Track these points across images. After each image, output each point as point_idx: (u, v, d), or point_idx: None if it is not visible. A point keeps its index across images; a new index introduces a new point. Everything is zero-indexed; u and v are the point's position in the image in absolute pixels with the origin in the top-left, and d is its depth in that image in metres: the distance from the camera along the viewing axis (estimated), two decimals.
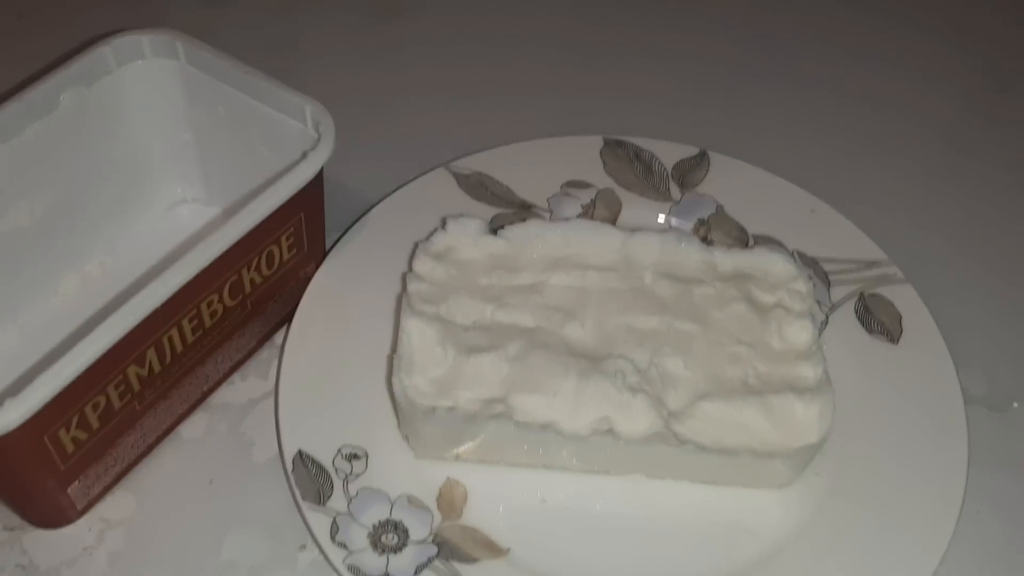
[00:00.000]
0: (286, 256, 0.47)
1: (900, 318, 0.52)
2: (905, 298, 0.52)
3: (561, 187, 0.57)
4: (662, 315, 0.48)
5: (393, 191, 0.56)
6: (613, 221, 0.55)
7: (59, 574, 0.43)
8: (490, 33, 0.70)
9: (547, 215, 0.55)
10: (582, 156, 0.58)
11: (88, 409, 0.40)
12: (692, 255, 0.50)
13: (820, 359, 0.47)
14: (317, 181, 0.46)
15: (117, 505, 0.45)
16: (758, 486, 0.46)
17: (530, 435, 0.44)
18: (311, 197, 0.47)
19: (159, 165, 0.53)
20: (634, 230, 0.51)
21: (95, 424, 0.41)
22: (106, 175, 0.51)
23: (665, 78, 0.67)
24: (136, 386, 0.42)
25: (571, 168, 0.58)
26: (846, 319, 0.52)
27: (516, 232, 0.51)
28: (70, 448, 0.40)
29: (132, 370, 0.41)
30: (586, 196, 0.56)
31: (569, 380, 0.45)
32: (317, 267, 0.51)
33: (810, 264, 0.54)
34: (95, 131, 0.49)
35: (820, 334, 0.49)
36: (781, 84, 0.68)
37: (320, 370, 0.48)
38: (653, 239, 0.50)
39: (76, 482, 0.42)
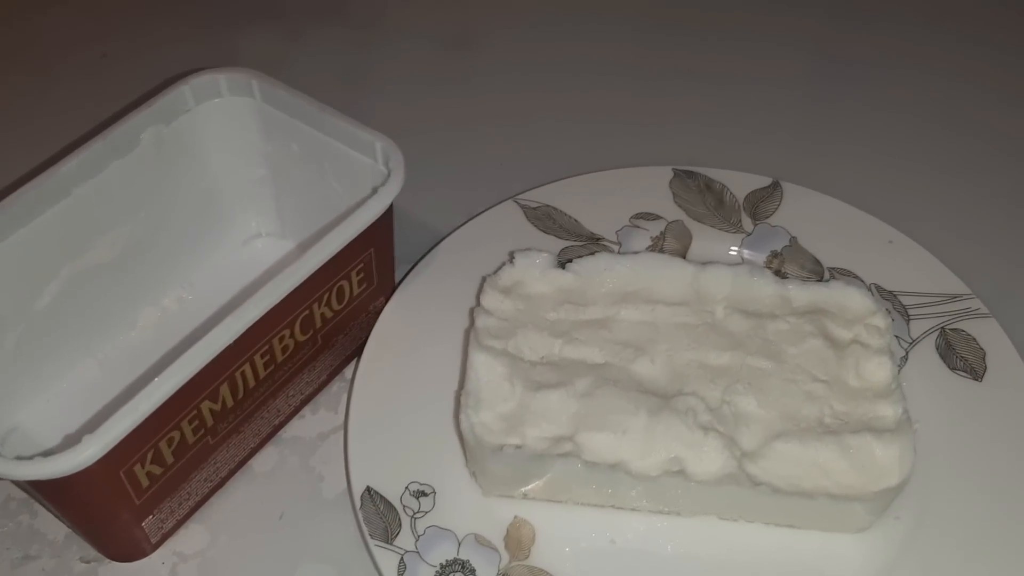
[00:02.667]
0: (356, 291, 0.48)
1: (984, 354, 0.50)
2: (989, 333, 0.51)
3: (630, 219, 0.56)
4: (734, 351, 0.47)
5: (461, 224, 0.56)
6: (683, 254, 0.55)
7: None
8: (556, 65, 0.70)
9: (616, 248, 0.55)
10: (651, 187, 0.57)
11: (163, 444, 0.41)
12: (765, 289, 0.49)
13: (899, 398, 0.45)
14: (387, 216, 0.46)
15: (190, 538, 0.46)
16: (834, 530, 0.45)
17: (599, 474, 0.43)
18: (381, 232, 0.47)
19: (235, 200, 0.54)
20: (705, 263, 0.50)
21: (169, 459, 0.42)
22: (184, 210, 0.52)
23: (735, 107, 0.66)
24: (209, 421, 0.43)
25: (640, 200, 0.57)
26: (927, 355, 0.50)
27: (584, 266, 0.50)
28: (145, 483, 0.41)
29: (206, 405, 0.42)
30: (655, 228, 0.56)
31: (639, 418, 0.44)
32: (387, 301, 0.51)
33: (888, 298, 0.52)
34: (173, 167, 0.50)
35: (899, 371, 0.48)
36: (854, 112, 0.66)
37: (389, 406, 0.48)
38: (725, 272, 0.50)
39: (151, 516, 0.43)
